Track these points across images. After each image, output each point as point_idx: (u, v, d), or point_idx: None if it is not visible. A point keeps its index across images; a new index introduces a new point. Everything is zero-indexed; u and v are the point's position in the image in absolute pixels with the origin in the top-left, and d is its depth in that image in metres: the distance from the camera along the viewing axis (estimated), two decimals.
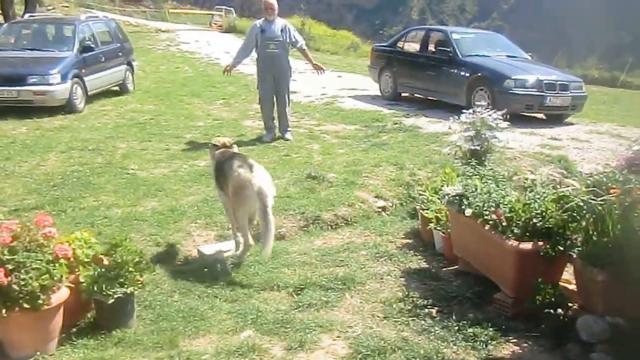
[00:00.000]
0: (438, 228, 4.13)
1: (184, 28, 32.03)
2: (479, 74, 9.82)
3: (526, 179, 3.47)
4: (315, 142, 8.31)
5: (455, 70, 10.29)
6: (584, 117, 10.67)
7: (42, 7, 25.32)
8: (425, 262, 4.04)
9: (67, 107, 10.16)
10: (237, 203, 4.25)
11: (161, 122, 9.51)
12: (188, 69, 17.23)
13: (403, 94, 12.15)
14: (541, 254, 3.07)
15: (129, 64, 13.03)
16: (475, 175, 3.75)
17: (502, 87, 9.37)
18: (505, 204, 3.32)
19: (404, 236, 4.63)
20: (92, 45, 11.38)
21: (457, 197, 3.58)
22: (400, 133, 8.90)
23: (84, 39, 11.28)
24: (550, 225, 3.10)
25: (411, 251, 4.24)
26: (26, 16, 13.76)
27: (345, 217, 5.40)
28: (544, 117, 10.20)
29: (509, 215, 3.25)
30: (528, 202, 3.24)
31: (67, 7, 30.52)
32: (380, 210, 5.68)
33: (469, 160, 5.07)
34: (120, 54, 12.64)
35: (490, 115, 4.96)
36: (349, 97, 12.58)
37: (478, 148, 4.95)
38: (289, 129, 8.49)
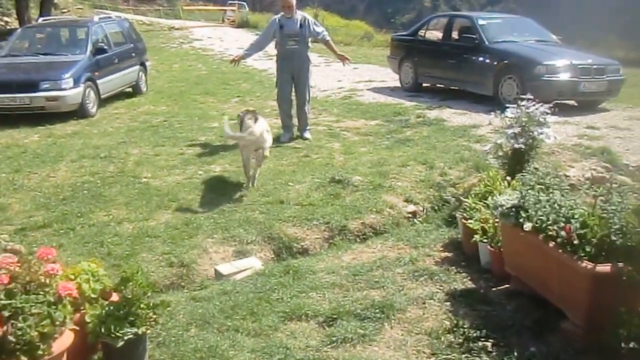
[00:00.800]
0: (485, 241, 3.67)
1: (197, 25, 31.74)
2: (507, 61, 9.28)
3: (597, 187, 2.98)
4: (336, 140, 7.88)
5: (481, 58, 9.76)
6: (618, 101, 10.06)
7: (57, 11, 25.25)
8: (470, 280, 3.58)
9: (79, 112, 9.89)
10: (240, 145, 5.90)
11: (174, 124, 9.17)
12: (201, 66, 16.90)
13: (424, 85, 11.64)
14: (623, 278, 2.58)
15: (142, 64, 12.73)
16: (535, 183, 3.25)
17: (533, 74, 8.81)
18: (576, 218, 2.83)
19: (442, 248, 4.18)
20: (105, 47, 11.09)
21: (513, 209, 3.12)
22: (425, 127, 8.43)
23: (97, 41, 11.00)
24: (633, 244, 2.60)
25: (453, 267, 3.79)
26: (40, 20, 13.50)
27: (373, 225, 4.98)
28: (575, 104, 9.63)
29: (580, 231, 2.77)
30: (604, 215, 2.73)
31: (81, 9, 30.43)
32: (410, 216, 5.25)
33: (509, 161, 4.62)
34: (133, 54, 12.35)
35: (537, 109, 4.46)
36: (368, 89, 12.12)
37: (523, 147, 4.46)
38: (308, 127, 8.09)
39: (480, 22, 10.21)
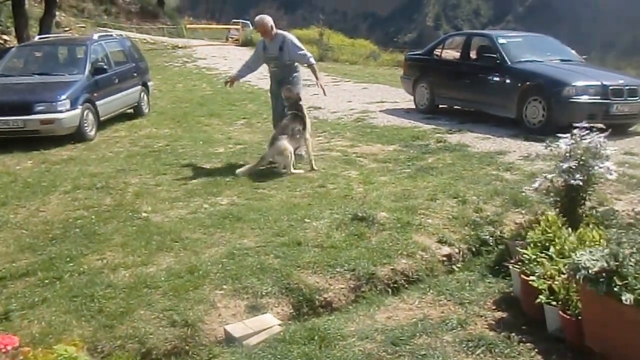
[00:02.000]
0: (554, 304, 3.03)
1: (200, 43, 31.40)
2: (532, 82, 8.71)
3: None
4: (352, 168, 7.28)
5: (504, 79, 9.20)
6: None
7: (60, 29, 24.86)
8: (540, 354, 2.94)
9: (77, 136, 9.34)
10: None
11: (177, 149, 8.59)
12: (206, 86, 16.40)
13: (440, 106, 11.08)
14: None
15: (145, 84, 12.21)
16: (628, 239, 2.63)
17: (561, 95, 8.23)
18: None
19: (494, 306, 3.54)
20: (105, 67, 10.56)
21: (603, 274, 2.50)
22: (447, 153, 7.82)
23: (96, 61, 10.48)
24: None
25: (513, 333, 3.14)
26: (36, 38, 13.00)
27: (405, 272, 4.33)
28: (603, 127, 9.01)
29: None
30: None
31: (84, 27, 30.09)
32: (445, 259, 4.61)
33: (563, 199, 3.99)
34: (135, 74, 11.84)
35: (596, 138, 3.85)
36: (380, 111, 11.55)
37: (581, 183, 3.84)
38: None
39: (501, 40, 9.66)
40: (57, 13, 24.53)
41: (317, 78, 7.40)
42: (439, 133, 9.13)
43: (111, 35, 12.91)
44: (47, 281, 4.06)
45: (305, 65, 7.52)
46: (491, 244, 4.77)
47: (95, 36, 11.65)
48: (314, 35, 32.32)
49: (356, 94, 14.42)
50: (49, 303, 3.73)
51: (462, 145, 8.24)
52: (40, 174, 7.37)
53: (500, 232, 4.88)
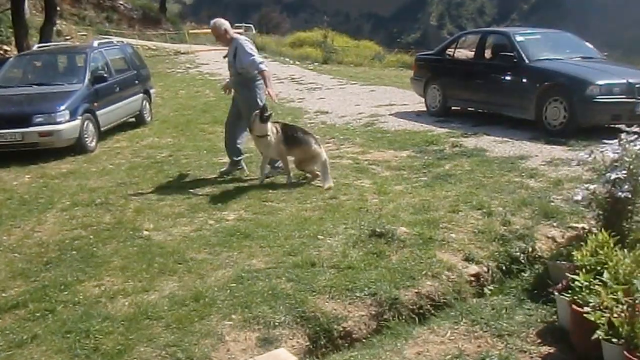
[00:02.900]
0: (615, 341, 2.63)
1: (203, 48, 31.13)
2: (552, 82, 8.29)
3: None
4: (365, 176, 6.89)
5: (521, 79, 8.78)
6: None
7: (61, 37, 24.62)
8: None
9: (77, 147, 9.00)
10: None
11: (181, 159, 8.24)
12: (209, 92, 16.07)
13: (453, 109, 10.68)
14: None
15: (146, 92, 11.87)
16: None
17: (584, 95, 7.81)
18: None
19: (538, 339, 3.13)
20: (106, 75, 10.21)
21: None
22: (465, 159, 7.43)
23: (96, 69, 10.14)
24: None
25: None
26: (35, 47, 12.68)
27: (431, 295, 3.94)
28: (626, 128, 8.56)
29: None
30: None
31: (85, 35, 29.87)
32: (473, 279, 4.21)
33: (608, 213, 3.59)
34: (136, 81, 11.50)
35: None
36: (390, 115, 11.16)
37: (629, 195, 3.44)
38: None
39: (518, 38, 9.24)
40: (58, 21, 24.33)
41: (266, 85, 6.67)
42: (453, 137, 8.73)
43: (112, 42, 12.58)
44: (38, 314, 3.69)
45: (255, 71, 6.83)
46: (523, 261, 4.37)
47: (95, 44, 11.31)
48: (318, 38, 32.08)
49: (363, 97, 14.05)
50: (40, 340, 3.36)
51: (479, 149, 7.84)
52: (37, 189, 7.02)
53: (533, 248, 4.47)
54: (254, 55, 6.80)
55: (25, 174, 7.92)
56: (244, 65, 6.77)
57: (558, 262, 3.64)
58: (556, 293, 3.27)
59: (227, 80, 7.53)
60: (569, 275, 3.18)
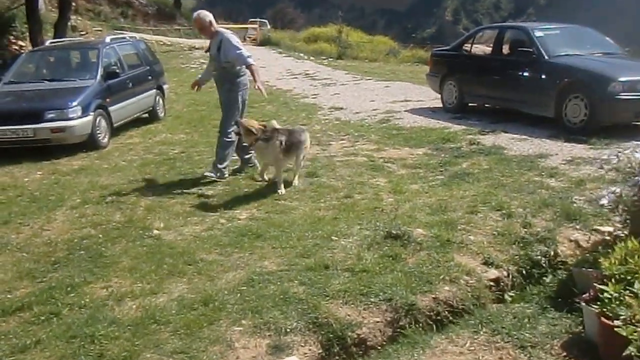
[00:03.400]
0: None
1: None
2: (573, 78, 8.05)
3: None
4: (380, 174, 6.73)
5: (541, 75, 8.54)
6: None
7: (75, 33, 24.66)
8: None
9: (89, 143, 8.94)
10: None
11: (194, 156, 8.14)
12: None
13: (470, 105, 10.46)
14: None
15: (160, 87, 11.79)
16: None
17: (606, 92, 7.56)
18: None
19: (564, 352, 2.97)
20: (118, 71, 10.15)
21: None
22: (482, 157, 7.24)
23: (108, 65, 10.06)
24: None
25: None
26: (47, 43, 12.65)
27: (449, 301, 3.78)
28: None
29: None
30: None
31: (100, 30, 29.92)
32: (493, 284, 4.04)
33: (636, 217, 3.40)
34: (149, 77, 11.42)
35: None
36: (406, 111, 10.97)
37: None
38: (218, 165, 6.74)
39: (537, 33, 8.99)
40: (73, 17, 24.39)
41: (255, 80, 6.53)
42: (470, 134, 8.54)
43: (124, 38, 12.50)
44: (42, 318, 3.59)
45: (241, 65, 6.69)
46: (544, 265, 4.19)
47: (108, 39, 11.24)
48: (333, 33, 31.86)
49: (378, 92, 13.87)
50: (43, 346, 3.26)
51: (497, 147, 7.64)
52: (48, 186, 6.96)
53: (555, 252, 4.29)
54: (241, 49, 6.64)
55: (37, 170, 7.87)
56: (230, 58, 6.58)
57: (584, 269, 3.47)
58: (583, 303, 3.10)
59: (199, 76, 7.28)
60: (596, 284, 3.01)
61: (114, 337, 3.34)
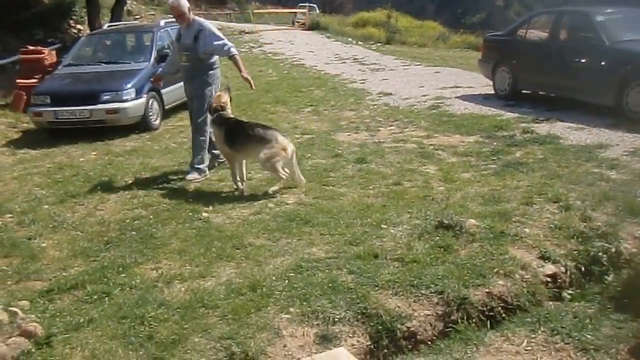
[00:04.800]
0: None
1: (267, 28, 31.14)
2: (636, 65, 7.64)
3: None
4: (430, 162, 6.59)
5: (601, 61, 8.14)
6: None
7: (130, 17, 25.14)
8: None
9: (141, 125, 9.15)
10: None
11: None
12: (271, 71, 15.98)
13: (524, 92, 10.10)
14: None
15: None
16: None
17: None
18: None
19: (632, 358, 2.81)
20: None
21: None
22: (537, 146, 6.98)
23: (162, 48, 10.21)
24: None
25: None
26: (105, 27, 12.92)
27: (503, 296, 3.65)
28: None
29: None
30: None
31: (153, 14, 30.41)
32: (549, 280, 3.88)
33: None
34: None
35: None
36: (456, 97, 10.70)
37: None
38: (196, 166, 6.38)
39: (598, 18, 8.56)
40: (129, 1, 24.79)
41: (240, 70, 6.27)
42: (524, 122, 8.24)
43: None
44: (95, 297, 3.66)
45: (224, 56, 6.46)
46: (605, 263, 3.99)
47: (162, 23, 11.38)
48: (381, 18, 31.39)
49: (428, 78, 13.58)
50: (96, 324, 3.32)
51: (552, 136, 7.35)
52: (102, 166, 7.13)
53: (617, 249, 4.08)
54: (223, 39, 6.38)
55: (92, 151, 8.08)
56: (211, 49, 6.25)
57: None
58: None
59: (160, 69, 6.85)
60: None
61: (163, 320, 3.37)
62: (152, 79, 7.02)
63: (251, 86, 6.42)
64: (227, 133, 5.77)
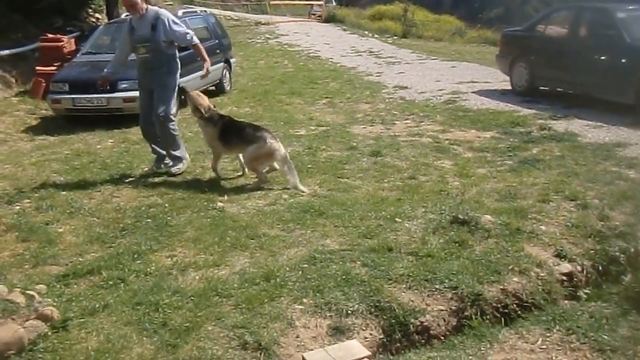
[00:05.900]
0: None
1: (283, 20, 31.07)
2: None
3: None
4: (445, 157, 6.56)
5: (621, 59, 8.04)
6: None
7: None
8: None
9: None
10: None
11: None
12: (287, 63, 15.97)
13: (541, 89, 10.00)
14: None
15: (227, 61, 11.92)
16: None
17: None
18: None
19: None
20: None
21: None
22: (554, 143, 6.93)
23: None
24: None
25: None
26: (123, 15, 12.96)
27: (518, 294, 3.63)
28: None
29: None
30: None
31: (171, 4, 30.47)
32: (565, 279, 3.85)
33: None
34: (218, 51, 11.52)
35: None
36: (472, 92, 10.63)
37: None
38: (176, 154, 6.29)
39: (620, 15, 8.46)
40: None
41: (204, 59, 6.22)
42: (541, 119, 8.18)
43: (195, 12, 12.65)
44: (111, 282, 3.69)
45: (186, 45, 6.37)
46: (623, 263, 3.95)
47: (180, 12, 11.38)
48: (398, 11, 31.18)
49: (444, 72, 13.50)
50: (111, 310, 3.35)
51: (570, 134, 7.29)
52: (118, 154, 7.18)
53: (636, 250, 4.04)
54: (182, 27, 6.28)
55: (109, 139, 8.15)
56: (171, 37, 6.07)
57: None
58: None
59: (105, 70, 6.51)
60: None
61: (177, 307, 3.39)
62: (98, 82, 6.67)
63: (206, 74, 6.44)
64: (221, 131, 5.84)
